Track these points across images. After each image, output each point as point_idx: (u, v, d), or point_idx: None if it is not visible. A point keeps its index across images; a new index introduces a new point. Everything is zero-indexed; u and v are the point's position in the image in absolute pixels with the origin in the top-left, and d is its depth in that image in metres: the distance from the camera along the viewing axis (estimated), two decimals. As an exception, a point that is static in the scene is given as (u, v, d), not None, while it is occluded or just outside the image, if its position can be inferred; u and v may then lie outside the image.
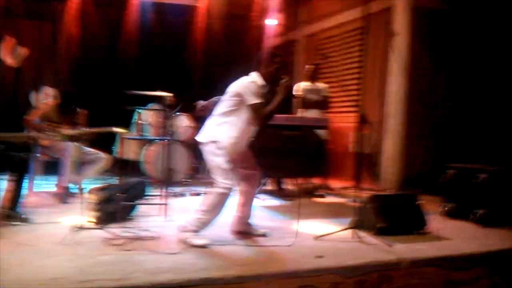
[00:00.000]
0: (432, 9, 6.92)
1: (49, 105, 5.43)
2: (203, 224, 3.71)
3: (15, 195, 4.12)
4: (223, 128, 3.74)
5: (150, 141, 6.50)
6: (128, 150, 6.50)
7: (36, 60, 7.33)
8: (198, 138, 3.82)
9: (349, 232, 3.98)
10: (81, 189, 5.44)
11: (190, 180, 6.63)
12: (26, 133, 5.00)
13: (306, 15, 9.23)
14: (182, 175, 6.47)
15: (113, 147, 6.54)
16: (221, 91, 3.92)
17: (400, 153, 6.74)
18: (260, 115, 3.69)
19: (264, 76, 3.75)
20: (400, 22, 6.79)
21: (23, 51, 7.21)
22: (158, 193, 4.79)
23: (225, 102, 3.79)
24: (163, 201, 4.45)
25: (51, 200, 5.08)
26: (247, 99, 3.66)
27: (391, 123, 6.70)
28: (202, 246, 3.55)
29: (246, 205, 4.03)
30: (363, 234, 4.02)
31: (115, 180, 5.37)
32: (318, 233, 4.01)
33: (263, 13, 8.96)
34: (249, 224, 4.06)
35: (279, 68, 3.77)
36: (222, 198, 3.65)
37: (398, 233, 4.09)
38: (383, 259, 3.47)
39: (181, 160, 6.42)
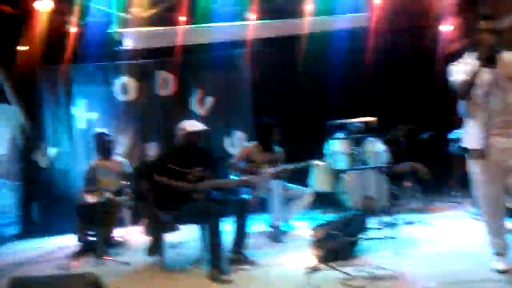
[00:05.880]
0: None
1: (251, 147, 5.53)
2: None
3: (241, 238, 4.13)
4: None
5: (344, 171, 6.23)
6: (323, 182, 6.30)
7: (221, 106, 7.65)
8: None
9: None
10: (291, 227, 5.37)
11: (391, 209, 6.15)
12: (239, 178, 5.10)
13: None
14: (382, 204, 6.04)
15: (310, 180, 6.42)
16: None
17: None
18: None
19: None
20: None
21: (210, 100, 7.65)
22: (379, 227, 4.44)
23: None
24: (391, 235, 4.08)
25: (265, 240, 5.06)
26: None
27: None
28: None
29: None
30: None
31: (329, 216, 5.14)
32: None
33: (439, 19, 8.31)
34: None
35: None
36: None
37: None
38: None
39: (380, 188, 6.02)
